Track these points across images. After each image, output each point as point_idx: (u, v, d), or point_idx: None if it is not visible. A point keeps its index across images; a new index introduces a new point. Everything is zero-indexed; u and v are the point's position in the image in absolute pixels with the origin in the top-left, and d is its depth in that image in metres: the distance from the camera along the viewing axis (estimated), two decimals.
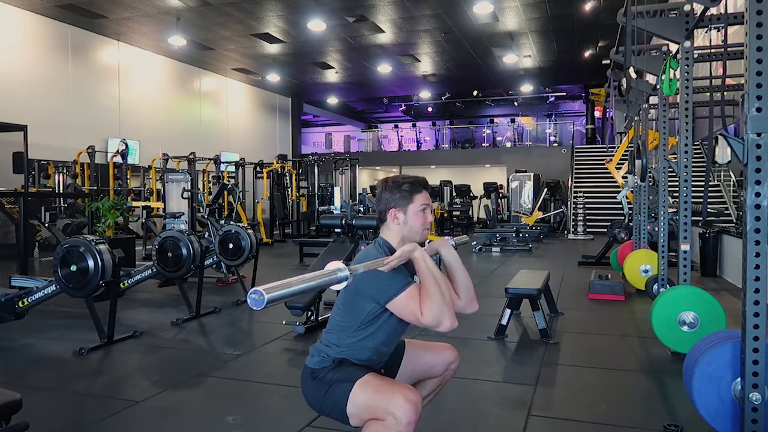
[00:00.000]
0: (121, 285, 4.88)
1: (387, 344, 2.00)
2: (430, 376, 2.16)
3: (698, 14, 3.86)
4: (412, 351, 2.16)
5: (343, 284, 1.56)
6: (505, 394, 3.28)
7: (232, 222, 6.59)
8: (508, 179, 17.69)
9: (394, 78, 18.00)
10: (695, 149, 8.31)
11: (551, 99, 25.14)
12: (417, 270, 1.85)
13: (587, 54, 15.27)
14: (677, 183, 4.15)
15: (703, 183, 7.68)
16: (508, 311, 4.37)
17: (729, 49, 4.17)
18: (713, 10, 3.84)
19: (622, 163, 9.50)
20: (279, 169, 14.17)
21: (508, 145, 22.63)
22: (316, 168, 14.73)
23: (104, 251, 4.14)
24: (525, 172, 16.67)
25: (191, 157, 10.04)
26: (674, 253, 4.60)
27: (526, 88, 20.70)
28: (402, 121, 27.15)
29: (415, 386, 2.00)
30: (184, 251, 5.06)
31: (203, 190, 12.62)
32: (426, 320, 1.78)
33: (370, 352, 1.94)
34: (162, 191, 9.76)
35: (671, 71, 4.31)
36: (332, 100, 23.01)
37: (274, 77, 17.59)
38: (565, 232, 14.48)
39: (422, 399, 1.92)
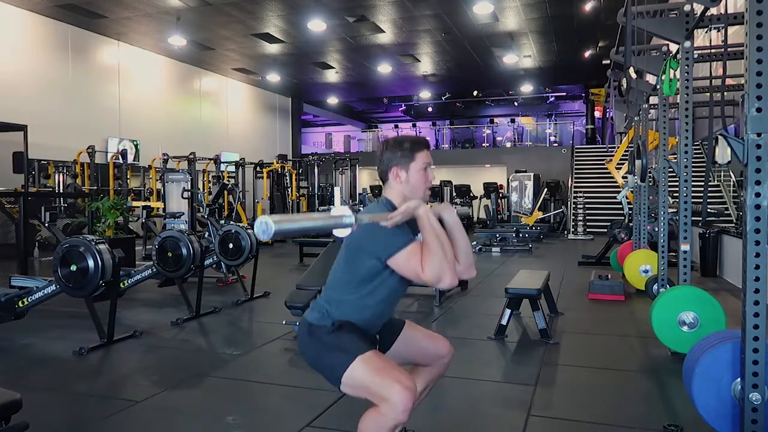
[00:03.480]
0: (121, 285, 4.87)
1: (387, 303, 1.99)
2: (419, 363, 2.16)
3: (698, 14, 3.86)
4: (410, 332, 2.16)
5: (347, 231, 1.55)
6: (505, 394, 3.28)
7: (232, 222, 6.59)
8: (508, 179, 17.69)
9: (394, 78, 18.00)
10: (695, 149, 8.31)
11: (551, 99, 25.14)
12: (420, 226, 1.84)
13: (587, 54, 15.27)
14: (677, 183, 4.15)
15: (703, 183, 7.68)
16: (508, 311, 4.37)
17: (729, 49, 4.17)
18: (713, 10, 3.85)
19: (622, 163, 9.50)
20: (279, 169, 14.18)
21: (508, 145, 22.63)
22: (316, 168, 14.73)
23: (104, 251, 4.14)
24: (525, 172, 16.66)
25: (191, 157, 10.04)
26: (674, 253, 4.60)
27: (526, 88, 20.70)
28: (402, 121, 27.15)
29: None
30: (184, 251, 5.05)
31: (203, 190, 12.62)
32: (427, 276, 1.78)
33: (370, 311, 1.95)
34: (162, 191, 9.76)
35: (671, 71, 4.31)
36: (332, 100, 23.01)
37: (274, 77, 17.59)
38: (565, 232, 14.48)
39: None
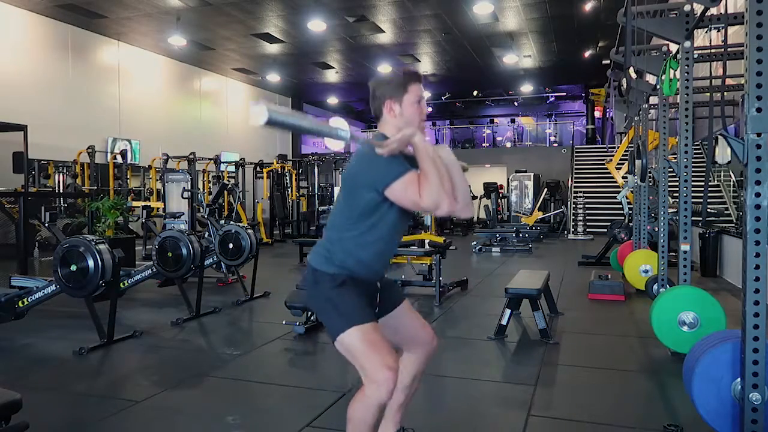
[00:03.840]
0: (121, 285, 4.87)
1: (387, 240, 1.98)
2: (405, 344, 2.18)
3: (698, 14, 3.86)
4: (407, 309, 2.17)
5: (340, 144, 1.54)
6: (505, 394, 3.28)
7: (232, 222, 6.59)
8: (508, 179, 17.68)
9: None
10: (695, 149, 8.31)
11: (551, 99, 25.12)
12: (416, 154, 1.84)
13: (587, 54, 15.26)
14: (677, 183, 4.15)
15: (703, 183, 7.68)
16: (508, 311, 4.37)
17: (729, 49, 4.17)
18: (713, 10, 3.85)
19: (622, 163, 9.50)
20: (279, 169, 14.16)
21: (508, 145, 22.64)
22: (316, 168, 14.73)
23: (104, 251, 4.14)
24: (525, 172, 16.65)
25: (191, 157, 10.04)
26: (674, 253, 4.60)
27: (526, 88, 20.69)
28: None
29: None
30: (184, 251, 5.05)
31: (203, 190, 12.62)
32: (425, 203, 1.79)
33: (371, 249, 1.94)
34: (162, 191, 9.76)
35: (671, 71, 4.31)
36: (332, 100, 22.99)
37: (274, 77, 17.59)
38: (565, 232, 14.48)
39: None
